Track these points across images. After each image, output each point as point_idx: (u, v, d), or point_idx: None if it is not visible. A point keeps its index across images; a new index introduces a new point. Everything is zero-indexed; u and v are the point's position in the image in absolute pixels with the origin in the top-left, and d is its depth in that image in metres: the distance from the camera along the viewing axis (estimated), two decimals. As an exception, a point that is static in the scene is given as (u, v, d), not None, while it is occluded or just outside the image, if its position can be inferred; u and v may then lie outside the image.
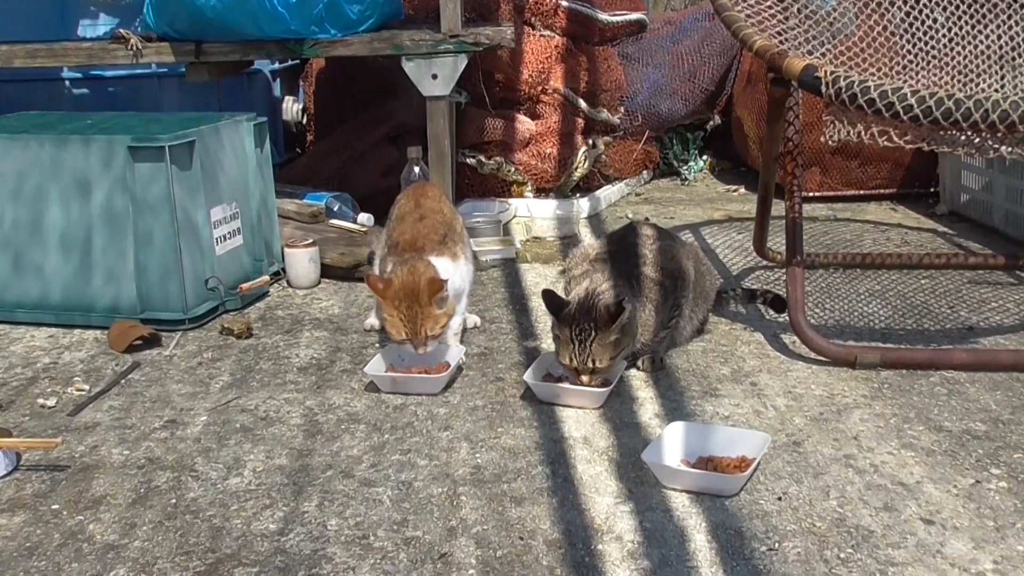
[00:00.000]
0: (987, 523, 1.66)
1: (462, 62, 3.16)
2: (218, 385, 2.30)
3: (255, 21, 3.06)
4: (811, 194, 3.91)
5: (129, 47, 3.18)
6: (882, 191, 3.99)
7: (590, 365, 2.10)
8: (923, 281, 2.93)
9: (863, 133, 2.15)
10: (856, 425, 2.02)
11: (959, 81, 2.43)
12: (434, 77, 3.15)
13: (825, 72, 2.12)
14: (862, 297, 2.80)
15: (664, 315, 2.30)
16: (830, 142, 2.18)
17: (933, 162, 3.85)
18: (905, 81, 2.37)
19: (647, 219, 3.62)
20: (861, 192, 3.99)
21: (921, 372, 2.27)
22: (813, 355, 2.35)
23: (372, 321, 2.60)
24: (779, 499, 1.75)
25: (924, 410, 2.09)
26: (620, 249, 2.38)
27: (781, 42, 2.34)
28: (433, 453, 1.94)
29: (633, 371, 2.31)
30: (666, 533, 1.65)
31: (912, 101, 2.03)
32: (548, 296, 2.17)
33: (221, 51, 3.19)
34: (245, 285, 2.82)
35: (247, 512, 1.75)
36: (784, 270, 2.77)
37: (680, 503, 1.74)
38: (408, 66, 3.15)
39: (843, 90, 2.09)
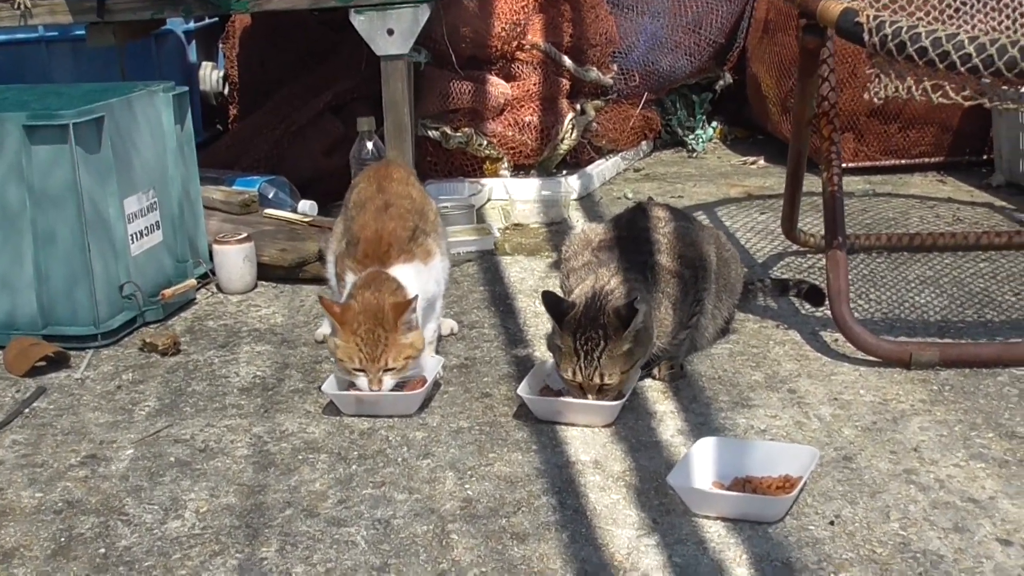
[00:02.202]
0: (1077, 544, 1.72)
1: (424, 14, 3.19)
2: (143, 412, 2.32)
3: (170, -30, 3.08)
4: (845, 165, 3.95)
5: (15, 6, 3.18)
6: (927, 160, 4.08)
7: (597, 381, 2.14)
8: (981, 264, 3.00)
9: (913, 88, 2.21)
10: (916, 435, 2.08)
11: (1023, 25, 2.49)
12: (390, 33, 3.18)
13: (867, 17, 2.18)
14: (912, 285, 2.87)
15: (683, 313, 2.35)
16: (875, 100, 2.24)
17: (986, 124, 3.94)
18: (960, 26, 2.44)
19: (650, 199, 3.68)
20: (903, 162, 4.08)
21: (987, 371, 2.33)
22: (860, 355, 2.41)
23: (325, 330, 2.62)
24: (831, 523, 1.80)
25: (993, 414, 2.15)
26: (629, 235, 2.43)
27: (811, -18, 2.40)
28: (413, 485, 1.98)
29: (649, 381, 2.35)
30: (700, 568, 1.70)
31: (970, 49, 2.10)
32: (549, 298, 2.21)
33: (129, 8, 3.21)
34: (168, 291, 2.83)
35: (193, 561, 1.77)
36: (819, 256, 2.84)
37: (715, 533, 1.79)
38: (358, 20, 3.18)
39: (889, 37, 2.15)
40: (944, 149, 4.07)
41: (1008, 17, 2.50)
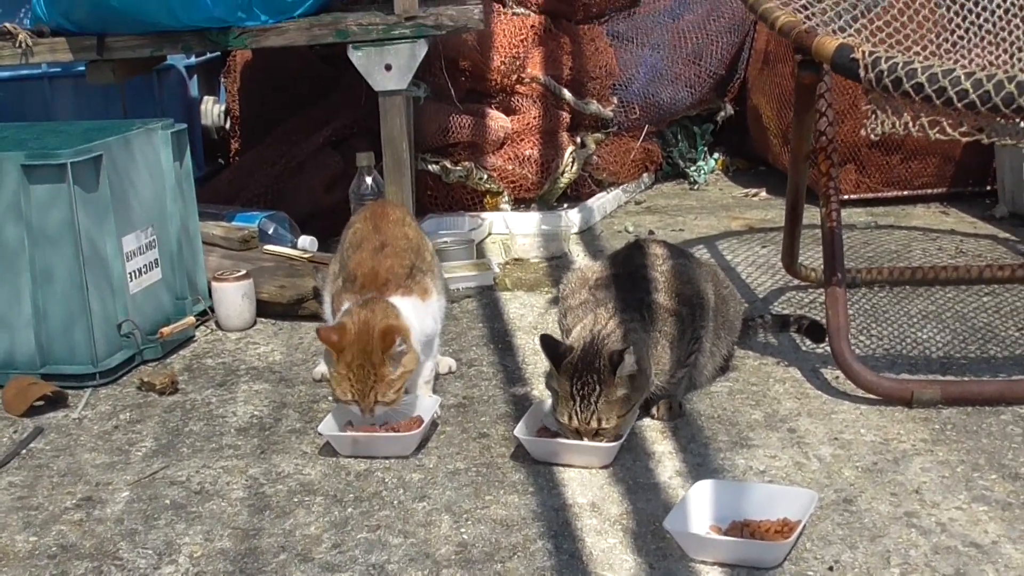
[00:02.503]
0: (1080, 589, 1.70)
1: (421, 49, 3.20)
2: (140, 453, 2.31)
3: (169, 8, 3.08)
4: (846, 196, 3.96)
5: (17, 44, 3.19)
6: (929, 191, 4.06)
7: (594, 425, 2.12)
8: (985, 298, 2.98)
9: (911, 124, 2.20)
10: (917, 476, 2.06)
11: (1020, 60, 2.49)
12: (388, 68, 3.19)
13: (863, 53, 2.18)
14: (914, 320, 2.85)
15: (681, 351, 2.33)
16: (872, 136, 2.23)
17: (989, 155, 3.93)
18: (956, 61, 2.43)
19: (651, 232, 3.68)
20: (905, 193, 4.06)
21: (990, 409, 2.31)
22: (861, 392, 2.39)
23: (323, 369, 2.61)
24: (831, 569, 1.78)
25: (996, 454, 2.13)
26: (626, 273, 2.42)
27: (807, 17, 2.40)
28: (408, 529, 1.96)
29: (647, 420, 2.34)
30: (698, 616, 1.68)
31: (967, 85, 2.09)
32: (547, 343, 2.20)
33: (128, 45, 3.21)
34: (166, 329, 2.83)
35: (186, 609, 1.76)
36: (820, 290, 2.82)
37: (713, 578, 1.77)
38: (356, 56, 3.19)
39: (885, 73, 2.14)
40: (947, 180, 4.05)
41: (1005, 52, 2.50)
